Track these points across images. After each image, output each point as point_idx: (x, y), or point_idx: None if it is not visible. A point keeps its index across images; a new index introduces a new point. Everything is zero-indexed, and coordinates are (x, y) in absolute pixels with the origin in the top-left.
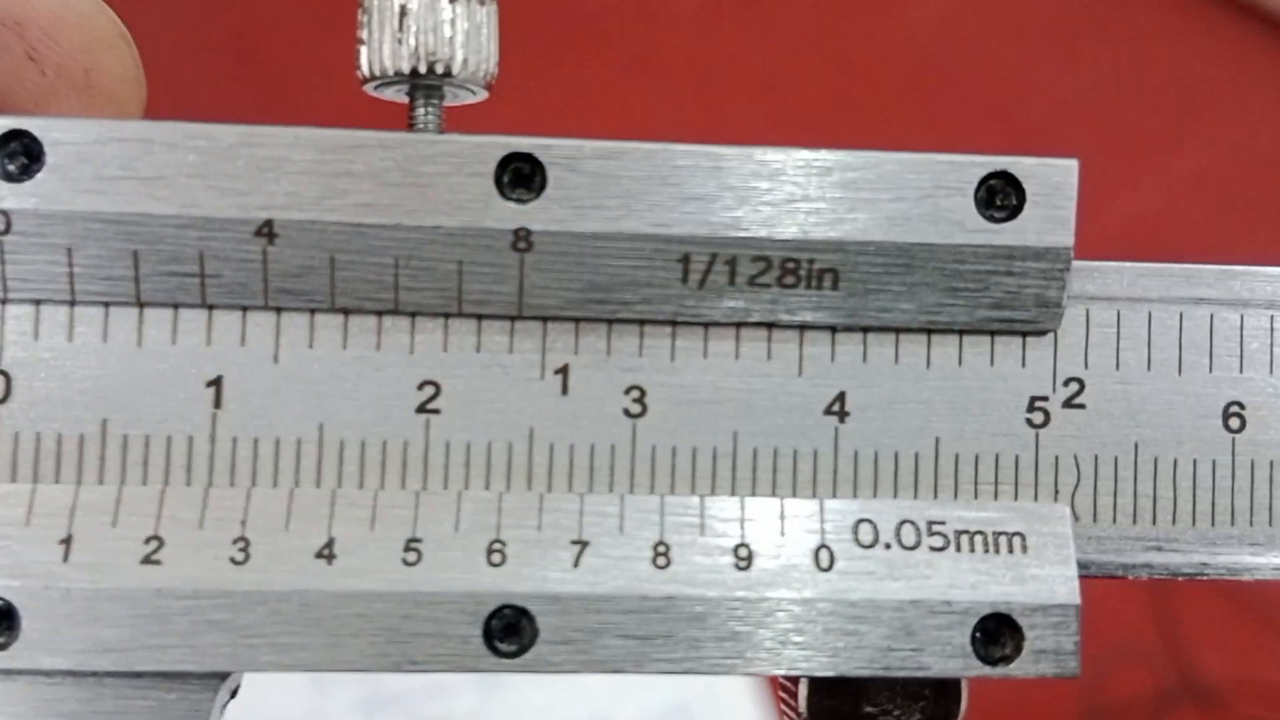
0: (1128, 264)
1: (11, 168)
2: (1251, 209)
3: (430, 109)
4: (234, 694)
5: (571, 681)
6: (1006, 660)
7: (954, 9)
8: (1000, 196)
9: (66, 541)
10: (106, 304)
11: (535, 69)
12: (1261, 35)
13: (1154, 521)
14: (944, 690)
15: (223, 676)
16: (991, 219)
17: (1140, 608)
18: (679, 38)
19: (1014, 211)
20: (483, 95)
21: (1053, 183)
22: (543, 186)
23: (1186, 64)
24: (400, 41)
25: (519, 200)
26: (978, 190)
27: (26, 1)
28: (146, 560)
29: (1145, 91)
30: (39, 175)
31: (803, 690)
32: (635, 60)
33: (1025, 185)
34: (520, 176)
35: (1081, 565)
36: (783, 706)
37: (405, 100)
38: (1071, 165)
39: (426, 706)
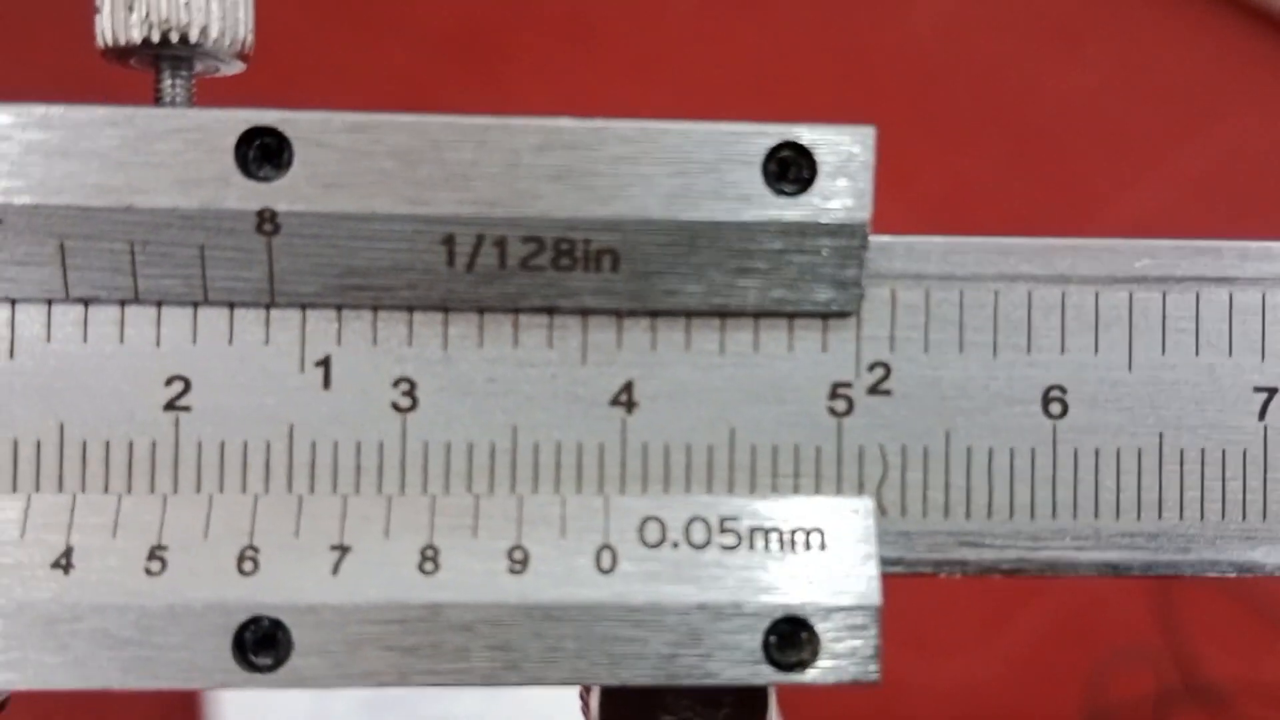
0: (937, 238)
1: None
2: (1251, 209)
3: (179, 80)
4: (2, 706)
5: None
6: (803, 666)
7: (955, 9)
8: (792, 169)
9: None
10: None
11: (535, 69)
12: (1261, 35)
13: (968, 515)
14: (748, 697)
15: None
16: (781, 193)
17: (1142, 608)
18: (679, 38)
19: (805, 185)
20: (238, 67)
21: (847, 153)
22: (289, 164)
23: (1186, 64)
24: (130, 9)
25: (263, 179)
26: (766, 162)
27: None
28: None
29: (1145, 91)
30: None
31: (594, 699)
32: (635, 61)
33: (816, 155)
34: (267, 152)
35: (889, 562)
36: (582, 713)
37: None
38: (868, 132)
39: (429, 707)
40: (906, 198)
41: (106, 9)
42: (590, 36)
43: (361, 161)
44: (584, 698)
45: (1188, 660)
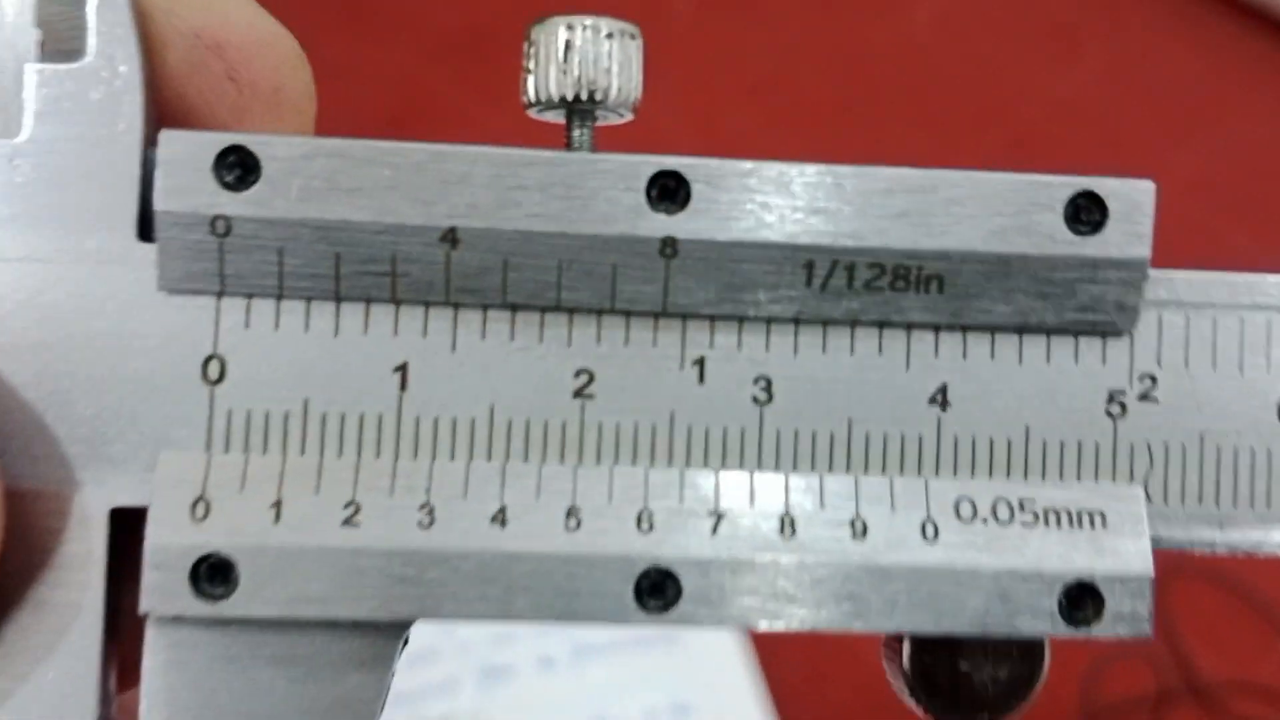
0: (1195, 274)
1: (230, 178)
2: (1252, 209)
3: (584, 129)
4: (405, 643)
5: (574, 680)
6: (1088, 622)
7: (954, 9)
8: (1085, 213)
9: (277, 506)
10: (309, 298)
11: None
12: (1261, 35)
13: (1217, 503)
14: (1029, 650)
15: (406, 625)
16: (1078, 233)
17: None
18: (679, 38)
19: (1097, 226)
20: (629, 117)
21: (1133, 201)
22: (687, 200)
23: (1186, 64)
24: (565, 72)
25: (667, 212)
26: (1066, 207)
27: (227, 26)
28: (346, 523)
29: (1145, 91)
30: (255, 185)
31: (906, 649)
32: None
33: (1108, 203)
34: (667, 191)
35: (1153, 540)
36: (887, 665)
37: (560, 121)
38: (1149, 187)
39: (431, 704)
40: None
41: (541, 70)
42: None
43: (745, 200)
44: (893, 647)
45: (1186, 659)
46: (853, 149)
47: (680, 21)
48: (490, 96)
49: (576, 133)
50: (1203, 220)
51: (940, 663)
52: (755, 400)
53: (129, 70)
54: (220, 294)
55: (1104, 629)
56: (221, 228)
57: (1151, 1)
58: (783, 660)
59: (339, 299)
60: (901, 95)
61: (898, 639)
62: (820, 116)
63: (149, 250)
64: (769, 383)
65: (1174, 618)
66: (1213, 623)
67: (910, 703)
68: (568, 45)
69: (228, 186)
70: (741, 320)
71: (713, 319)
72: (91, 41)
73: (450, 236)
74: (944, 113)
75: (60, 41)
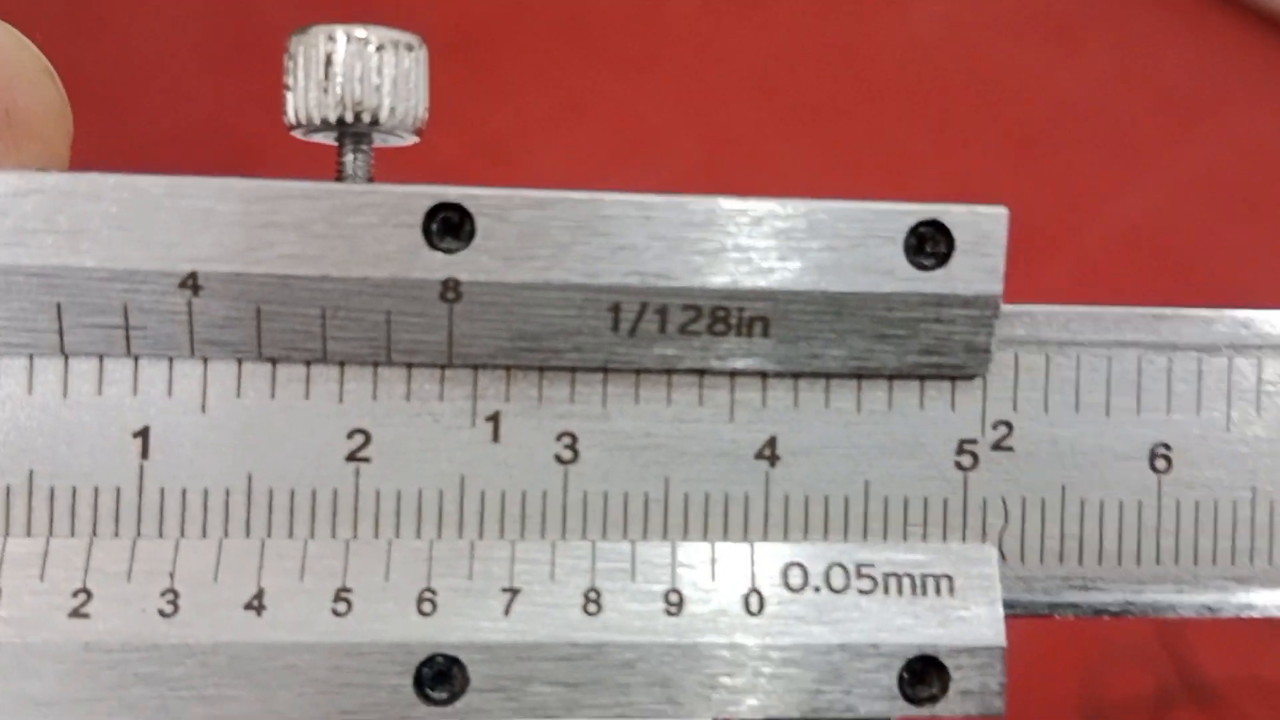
0: (1056, 307)
1: None
2: (1251, 209)
3: (359, 155)
4: None
5: None
6: (933, 700)
7: (954, 9)
8: (930, 244)
9: None
10: (30, 355)
11: (534, 71)
12: (1261, 35)
13: (1080, 561)
14: None
15: None
16: (921, 266)
17: None
18: (679, 38)
19: (943, 259)
20: (412, 140)
21: (982, 231)
22: (471, 236)
23: (1186, 64)
24: (326, 90)
25: (447, 250)
26: (907, 238)
27: None
28: (74, 614)
29: (1145, 91)
30: None
31: None
32: (635, 61)
33: (954, 233)
34: (449, 226)
35: (1008, 605)
36: None
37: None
38: (1001, 214)
39: None
40: (906, 196)
41: (300, 88)
42: (590, 36)
43: (538, 235)
44: None
45: (1186, 659)
46: (854, 149)
47: (680, 21)
48: (491, 96)
49: (349, 158)
50: (1203, 220)
51: None
52: (559, 459)
53: None
54: None
55: (949, 707)
56: None
57: (1152, 1)
58: None
59: (65, 355)
60: (902, 95)
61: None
62: (820, 117)
63: None
64: (574, 439)
65: (1167, 621)
66: (1213, 622)
67: None
68: (329, 60)
69: None
70: (541, 370)
71: (508, 369)
72: None
73: (190, 283)
74: (944, 113)
75: None
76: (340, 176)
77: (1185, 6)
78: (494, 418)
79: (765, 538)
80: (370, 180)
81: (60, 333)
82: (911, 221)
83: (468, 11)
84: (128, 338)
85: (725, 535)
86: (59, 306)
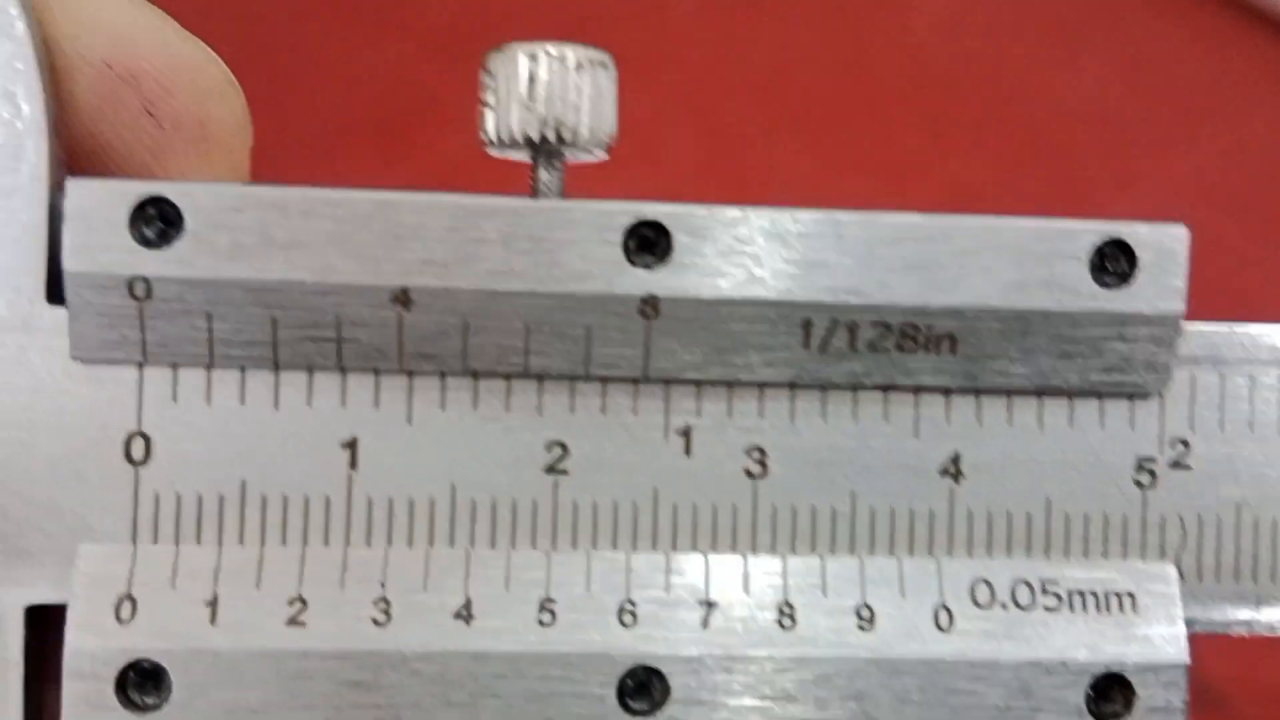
0: (1232, 325)
1: (149, 233)
2: (1251, 209)
3: (552, 171)
4: None
5: None
6: (1117, 716)
7: (955, 9)
8: (1112, 262)
9: (212, 604)
10: (243, 367)
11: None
12: (1261, 35)
13: (1254, 579)
14: None
15: None
16: (1104, 285)
17: None
18: (679, 38)
19: (1125, 277)
20: (603, 157)
21: (1164, 249)
22: (668, 252)
23: (1186, 64)
24: (529, 110)
25: (646, 267)
26: (1091, 257)
27: (139, 55)
28: (291, 622)
29: (1145, 91)
30: (178, 241)
31: None
32: (635, 61)
33: (1138, 252)
34: (646, 242)
35: (1187, 623)
36: None
37: (526, 160)
38: (1182, 233)
39: None
40: (906, 197)
41: (502, 106)
42: (590, 36)
43: (734, 252)
44: None
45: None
46: (855, 150)
47: (680, 22)
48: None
49: (544, 176)
50: (1203, 220)
51: None
52: (748, 474)
53: (32, 110)
54: (142, 364)
55: None
56: (141, 290)
57: (1153, 2)
58: None
59: (278, 367)
60: (902, 95)
61: None
62: (820, 117)
63: (60, 315)
64: (763, 454)
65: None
66: None
67: None
68: (532, 78)
69: (147, 243)
70: (732, 385)
71: (699, 384)
72: None
73: (402, 297)
74: (945, 113)
75: None
76: (535, 193)
77: (1186, 7)
78: (685, 431)
79: (950, 553)
80: (563, 196)
81: (275, 345)
82: (1096, 240)
83: (468, 11)
84: (339, 351)
85: (911, 550)
86: (274, 320)
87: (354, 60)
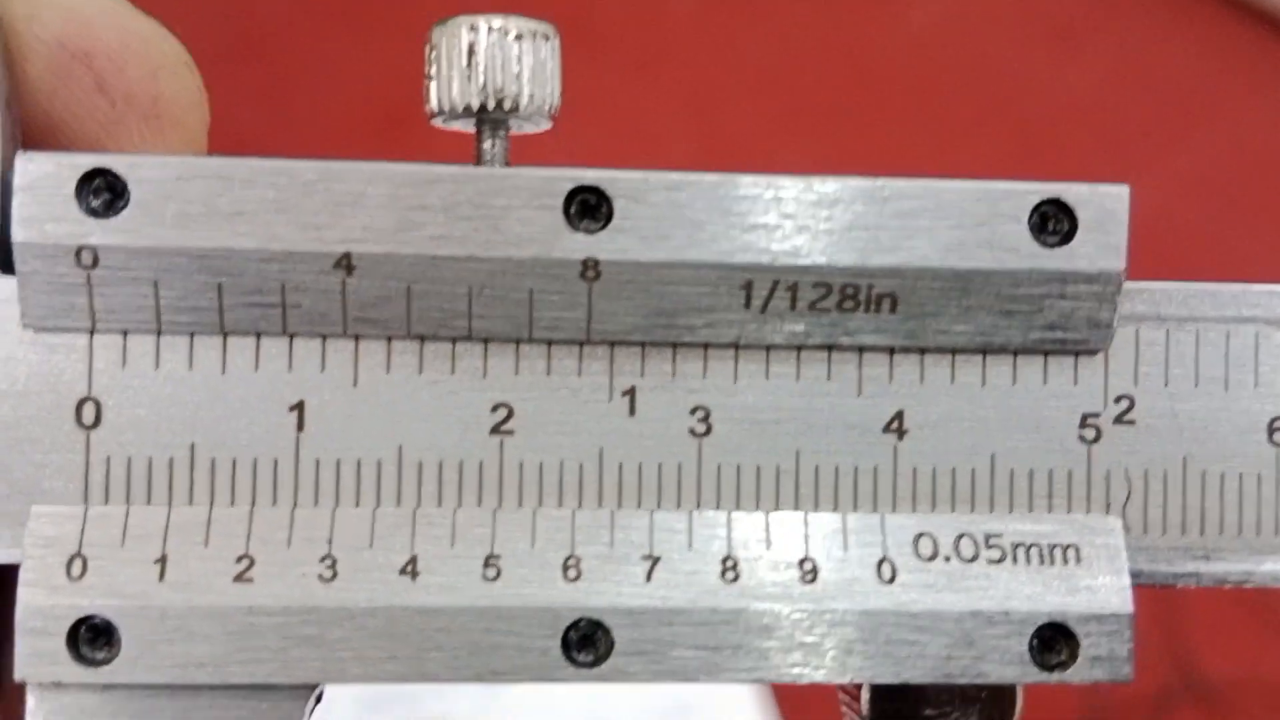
0: (1176, 284)
1: (96, 204)
2: (1251, 209)
3: (497, 141)
4: (319, 699)
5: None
6: (1063, 667)
7: (955, 9)
8: (1053, 222)
9: (161, 561)
10: (191, 333)
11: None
12: (1262, 35)
13: (1201, 532)
14: (999, 693)
15: (312, 687)
16: (1045, 244)
17: (1141, 608)
18: (679, 38)
19: (1066, 237)
20: (546, 126)
21: (1105, 209)
22: (609, 217)
23: (1186, 64)
24: (469, 79)
25: (587, 231)
26: (1031, 216)
27: (91, 32)
28: (238, 579)
29: (1145, 91)
30: (124, 211)
31: (865, 695)
32: (635, 61)
33: (1077, 212)
34: (587, 207)
35: (1132, 574)
36: (845, 710)
37: (470, 131)
38: (1123, 192)
39: (428, 705)
40: None
41: (443, 77)
42: (590, 36)
43: (674, 216)
44: (849, 693)
45: (1186, 660)
46: (853, 149)
47: (680, 21)
48: None
49: (487, 145)
50: (1203, 220)
51: (903, 709)
52: (692, 433)
53: None
54: (92, 331)
55: (1079, 673)
56: (88, 259)
57: (1152, 1)
58: None
59: (225, 333)
60: (902, 95)
61: (856, 684)
62: (820, 117)
63: (10, 284)
64: (707, 413)
65: (1175, 618)
66: (1214, 623)
67: None
68: (471, 49)
69: (93, 213)
70: (675, 346)
71: (643, 346)
72: None
73: (345, 263)
74: (945, 113)
75: None
76: (479, 162)
77: (1185, 6)
78: (630, 392)
79: (894, 509)
80: (507, 165)
81: (220, 311)
82: (1035, 200)
83: (468, 10)
84: (284, 316)
85: (855, 506)
86: (220, 286)
87: (354, 60)
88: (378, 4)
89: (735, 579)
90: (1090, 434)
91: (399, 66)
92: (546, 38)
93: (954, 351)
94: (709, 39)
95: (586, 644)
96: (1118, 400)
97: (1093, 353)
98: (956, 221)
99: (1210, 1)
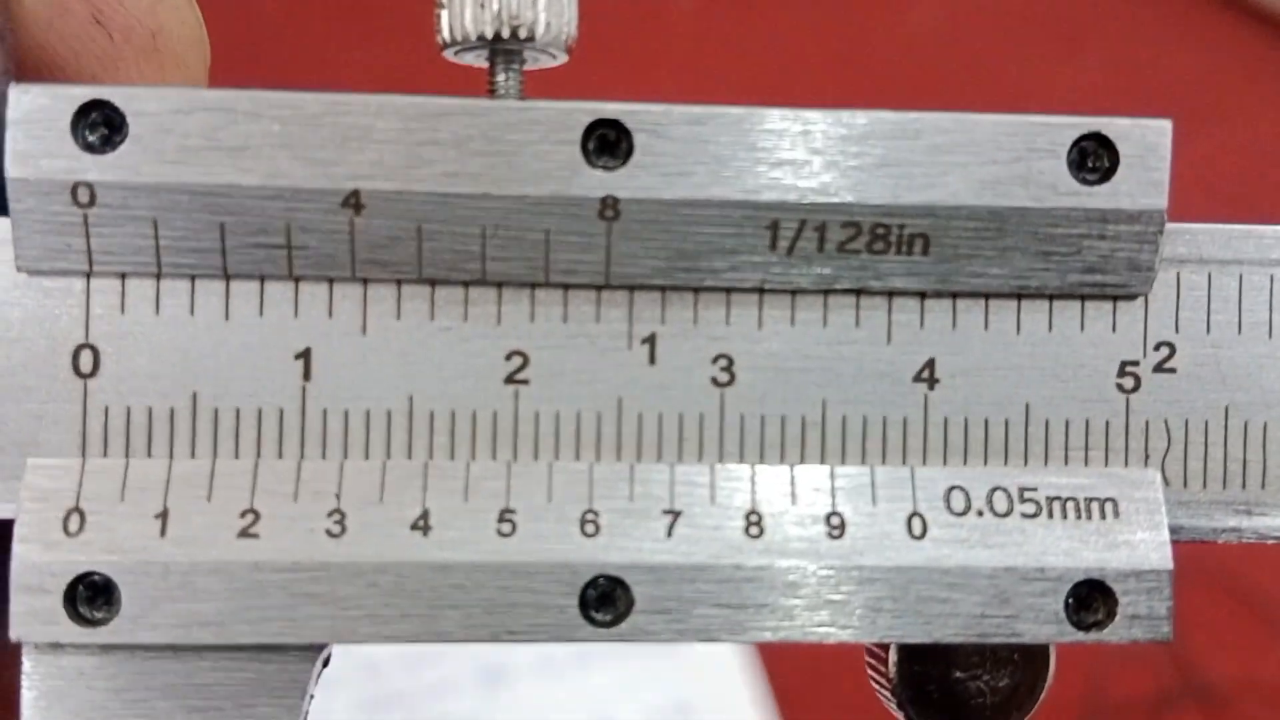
0: (1219, 226)
1: (93, 139)
2: (1251, 209)
3: (511, 73)
4: (326, 662)
5: (574, 680)
6: (1100, 626)
7: (954, 9)
8: (1092, 159)
9: (162, 516)
10: (192, 277)
11: (531, 72)
12: (1261, 35)
13: (1243, 486)
14: (1032, 655)
15: (320, 647)
16: (1084, 181)
17: None
18: (679, 38)
19: (1106, 174)
20: (563, 59)
21: (1146, 144)
22: (629, 153)
23: (1186, 64)
24: (483, 6)
25: (605, 168)
26: (1070, 152)
27: None
28: (243, 534)
29: (1145, 91)
30: (122, 146)
31: (893, 656)
32: (635, 61)
33: (1119, 147)
34: (606, 143)
35: (1172, 530)
36: (871, 673)
37: (484, 65)
38: (1165, 126)
39: (428, 706)
40: None
41: (455, 4)
42: (590, 36)
43: (697, 151)
44: (877, 655)
45: (1186, 660)
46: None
47: (680, 21)
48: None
49: (501, 77)
50: (1202, 220)
51: (932, 671)
52: (715, 382)
53: None
54: (89, 274)
55: (1117, 633)
56: (84, 196)
57: (1152, 1)
58: (786, 658)
59: (228, 276)
60: (902, 95)
61: (883, 645)
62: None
63: (5, 226)
64: (730, 362)
65: (1176, 618)
66: (1214, 623)
67: (898, 715)
68: None
69: (90, 148)
70: (697, 291)
71: (664, 290)
72: None
73: (353, 201)
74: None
75: None
76: (493, 96)
77: (1185, 7)
78: (650, 339)
79: (925, 462)
80: (521, 99)
81: (223, 253)
82: (1075, 135)
83: None
84: (290, 258)
85: (884, 459)
86: (222, 226)
87: (354, 60)
88: (379, 4)
89: (759, 534)
90: (1129, 383)
91: (397, 63)
92: None
93: (987, 296)
94: (709, 39)
95: (605, 602)
96: (1157, 347)
97: (1132, 297)
98: (991, 157)
99: (1210, 1)
